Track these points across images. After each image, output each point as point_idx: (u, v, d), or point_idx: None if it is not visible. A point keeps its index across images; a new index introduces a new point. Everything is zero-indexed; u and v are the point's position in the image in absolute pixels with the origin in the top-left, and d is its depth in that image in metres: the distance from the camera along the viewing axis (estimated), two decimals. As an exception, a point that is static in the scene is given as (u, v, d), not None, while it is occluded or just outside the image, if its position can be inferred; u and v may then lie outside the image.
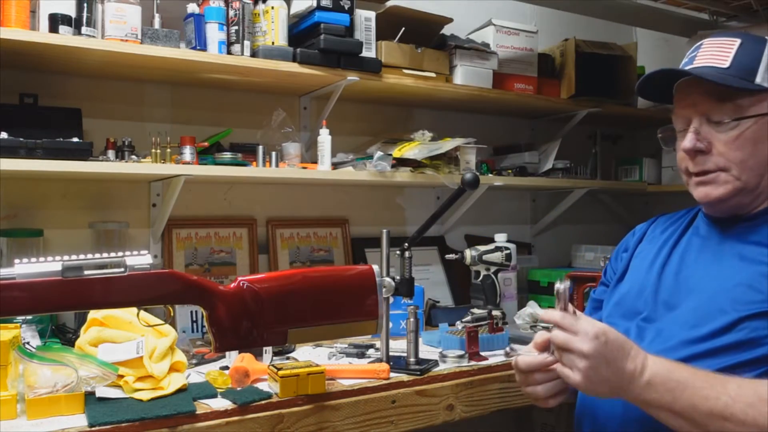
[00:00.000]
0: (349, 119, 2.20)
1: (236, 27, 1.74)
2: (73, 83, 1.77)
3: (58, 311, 0.95)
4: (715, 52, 1.13)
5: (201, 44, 1.70)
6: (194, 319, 1.81)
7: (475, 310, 1.74)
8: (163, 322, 1.27)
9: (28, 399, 1.12)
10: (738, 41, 1.13)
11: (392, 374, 1.41)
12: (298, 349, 1.64)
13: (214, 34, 1.71)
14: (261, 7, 1.79)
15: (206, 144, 1.80)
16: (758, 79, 1.10)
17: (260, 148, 1.81)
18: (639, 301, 1.20)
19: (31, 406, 1.12)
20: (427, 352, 1.62)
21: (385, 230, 1.48)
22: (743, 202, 1.14)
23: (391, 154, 1.95)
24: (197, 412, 1.16)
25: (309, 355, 1.59)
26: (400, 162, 1.98)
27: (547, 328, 1.66)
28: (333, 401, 1.29)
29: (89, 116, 1.74)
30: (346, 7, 1.83)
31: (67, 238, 1.76)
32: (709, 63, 1.13)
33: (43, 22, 1.52)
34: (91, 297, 0.92)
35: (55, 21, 1.51)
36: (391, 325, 1.58)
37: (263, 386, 1.31)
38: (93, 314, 1.33)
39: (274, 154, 1.81)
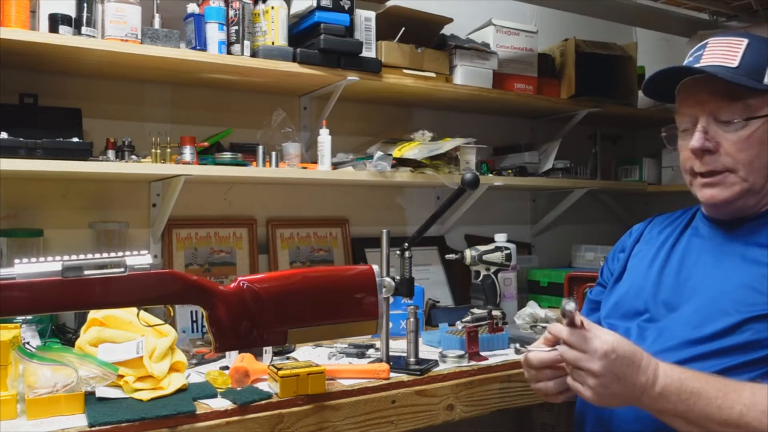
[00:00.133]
0: (349, 119, 2.20)
1: (236, 27, 1.74)
2: (72, 83, 1.77)
3: (58, 311, 0.95)
4: (723, 52, 1.12)
5: (201, 44, 1.70)
6: (194, 319, 1.81)
7: (475, 310, 1.74)
8: (163, 322, 1.27)
9: (28, 399, 1.12)
10: (745, 41, 1.12)
11: (392, 374, 1.41)
12: (298, 349, 1.64)
13: (214, 34, 1.71)
14: (261, 7, 1.79)
15: (206, 144, 1.80)
16: (767, 80, 1.09)
17: (260, 148, 1.81)
18: (638, 301, 1.20)
19: (31, 406, 1.12)
20: (427, 352, 1.61)
21: (385, 230, 1.48)
22: (748, 204, 1.13)
23: (391, 154, 1.95)
24: (197, 412, 1.16)
25: (309, 355, 1.59)
26: (400, 162, 1.98)
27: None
28: (333, 401, 1.29)
29: (89, 116, 1.74)
30: (346, 7, 1.83)
31: (67, 238, 1.76)
32: (717, 62, 1.12)
33: (43, 22, 1.52)
34: (91, 297, 0.92)
35: (55, 21, 1.51)
36: (391, 325, 1.58)
37: (263, 386, 1.30)
38: (93, 314, 1.33)
39: (274, 154, 1.81)
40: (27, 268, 0.89)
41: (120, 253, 0.95)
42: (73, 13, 1.54)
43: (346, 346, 1.61)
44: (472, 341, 1.57)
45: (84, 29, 1.54)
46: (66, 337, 1.54)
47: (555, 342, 1.03)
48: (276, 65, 1.75)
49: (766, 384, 0.98)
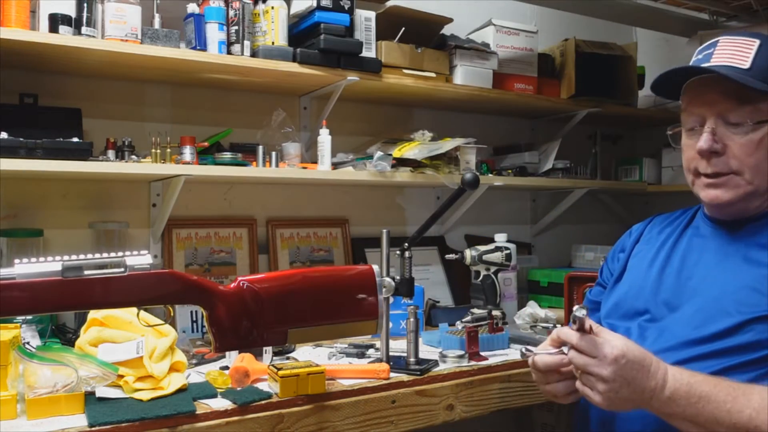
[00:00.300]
0: (349, 119, 2.20)
1: (236, 27, 1.74)
2: (72, 83, 1.77)
3: (58, 311, 0.95)
4: (734, 52, 1.11)
5: (201, 44, 1.70)
6: (194, 319, 1.81)
7: (475, 310, 1.74)
8: (163, 322, 1.27)
9: (28, 399, 1.12)
10: (757, 42, 1.11)
11: (392, 374, 1.41)
12: (298, 349, 1.64)
13: (214, 34, 1.71)
14: (261, 7, 1.79)
15: (206, 144, 1.80)
16: None
17: (260, 148, 1.81)
18: (638, 301, 1.19)
19: (31, 406, 1.12)
20: (427, 352, 1.61)
21: (385, 230, 1.48)
22: (750, 206, 1.13)
23: (391, 154, 1.95)
24: (197, 412, 1.16)
25: (309, 355, 1.59)
26: (400, 162, 1.98)
27: (548, 329, 1.66)
28: (333, 401, 1.28)
29: (89, 116, 1.74)
30: (346, 7, 1.83)
31: (67, 238, 1.76)
32: (728, 62, 1.10)
33: (43, 22, 1.52)
34: (91, 297, 0.92)
35: (55, 21, 1.51)
36: (391, 325, 1.58)
37: (263, 386, 1.30)
38: (93, 314, 1.33)
39: (274, 154, 1.81)
40: (27, 268, 0.89)
41: (120, 253, 0.95)
42: (73, 13, 1.54)
43: (346, 346, 1.61)
44: (472, 341, 1.57)
45: (84, 29, 1.54)
46: (66, 337, 1.54)
47: (561, 343, 1.03)
48: (276, 65, 1.75)
49: (754, 378, 0.98)
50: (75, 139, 1.52)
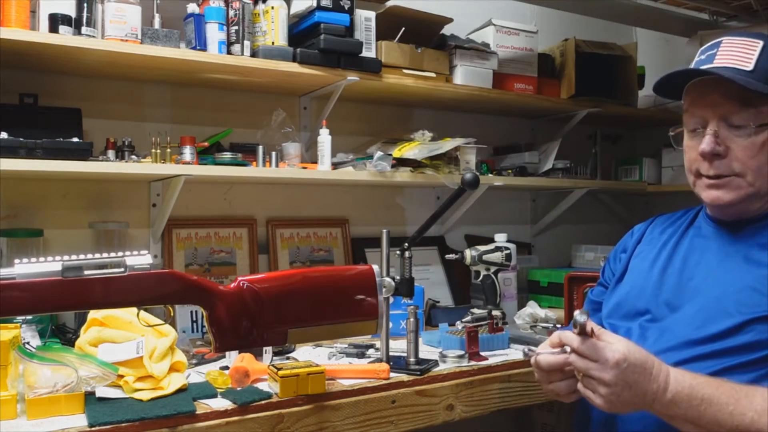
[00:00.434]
0: (349, 119, 2.20)
1: (236, 27, 1.74)
2: (72, 83, 1.77)
3: (58, 311, 0.95)
4: (737, 53, 1.10)
5: (201, 44, 1.70)
6: (194, 319, 1.81)
7: (475, 310, 1.74)
8: (163, 322, 1.27)
9: (28, 399, 1.12)
10: (761, 43, 1.10)
11: (392, 374, 1.41)
12: (298, 349, 1.64)
13: (214, 34, 1.71)
14: (261, 7, 1.79)
15: (206, 144, 1.80)
16: None
17: (260, 148, 1.81)
18: (640, 301, 1.19)
19: (31, 406, 1.12)
20: (427, 352, 1.61)
21: (385, 230, 1.48)
22: (751, 207, 1.13)
23: (391, 154, 1.95)
24: (197, 412, 1.16)
25: (309, 355, 1.58)
26: (400, 162, 1.98)
27: (548, 329, 1.66)
28: (333, 401, 1.28)
29: (89, 116, 1.74)
30: (346, 7, 1.83)
31: (67, 238, 1.76)
32: (731, 64, 1.09)
33: (43, 22, 1.52)
34: (91, 297, 0.92)
35: (55, 21, 1.51)
36: (391, 325, 1.58)
37: (263, 386, 1.30)
38: (93, 314, 1.33)
39: (274, 154, 1.81)
40: (27, 268, 0.89)
41: (120, 253, 0.95)
42: (73, 13, 1.54)
43: (346, 346, 1.61)
44: (472, 341, 1.57)
45: (84, 29, 1.54)
46: (66, 337, 1.54)
47: (561, 344, 1.03)
48: (276, 65, 1.75)
49: (754, 378, 0.98)
50: (75, 139, 1.52)
